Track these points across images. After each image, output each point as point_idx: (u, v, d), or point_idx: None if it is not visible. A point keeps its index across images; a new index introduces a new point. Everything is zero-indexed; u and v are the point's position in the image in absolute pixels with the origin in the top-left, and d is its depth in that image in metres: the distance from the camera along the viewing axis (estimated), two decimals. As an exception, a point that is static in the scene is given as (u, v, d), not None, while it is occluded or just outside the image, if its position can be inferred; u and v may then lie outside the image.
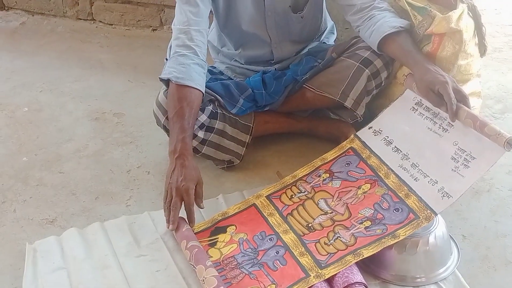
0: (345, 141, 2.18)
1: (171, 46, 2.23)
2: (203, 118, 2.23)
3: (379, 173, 2.03)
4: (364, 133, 2.15)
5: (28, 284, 1.86)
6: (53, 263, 1.92)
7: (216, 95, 2.28)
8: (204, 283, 1.78)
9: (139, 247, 1.98)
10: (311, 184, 2.10)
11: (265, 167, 2.37)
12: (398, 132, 2.07)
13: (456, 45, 2.19)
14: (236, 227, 2.01)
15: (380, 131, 2.11)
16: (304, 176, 2.13)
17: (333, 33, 2.64)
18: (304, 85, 2.37)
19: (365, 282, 1.75)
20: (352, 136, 2.18)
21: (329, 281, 1.76)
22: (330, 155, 2.17)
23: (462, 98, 1.95)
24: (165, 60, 2.29)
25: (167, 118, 2.21)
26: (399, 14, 2.28)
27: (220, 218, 2.05)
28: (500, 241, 1.96)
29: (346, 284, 1.73)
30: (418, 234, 1.81)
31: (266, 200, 2.08)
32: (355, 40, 2.39)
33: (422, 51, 2.22)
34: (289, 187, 2.12)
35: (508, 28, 3.35)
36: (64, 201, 2.25)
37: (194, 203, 2.00)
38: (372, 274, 1.84)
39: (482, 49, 2.32)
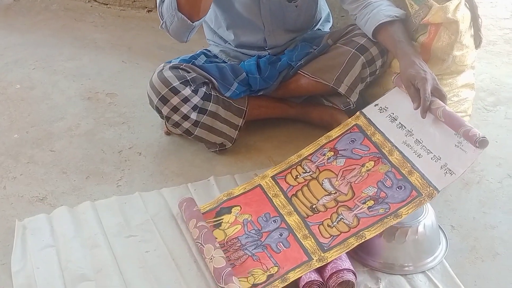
0: (351, 118, 2.16)
1: (161, 12, 2.17)
2: (196, 99, 2.22)
3: (383, 150, 2.01)
4: (370, 110, 2.13)
5: (17, 261, 1.86)
6: (42, 241, 1.92)
7: (211, 77, 2.28)
8: (211, 261, 1.78)
9: (129, 227, 1.98)
10: (316, 164, 2.08)
11: (257, 151, 2.37)
12: (403, 109, 2.05)
13: (452, 35, 2.19)
14: (241, 207, 2.01)
15: (385, 108, 2.09)
16: (309, 155, 2.12)
17: (329, 21, 2.63)
18: (299, 71, 2.36)
19: (353, 269, 1.76)
20: (357, 113, 2.15)
21: (319, 267, 1.77)
22: (335, 133, 2.14)
23: (441, 97, 1.94)
24: (160, 27, 2.22)
25: (160, 99, 2.20)
26: (396, 2, 2.28)
27: (226, 198, 2.05)
28: (488, 232, 1.97)
29: (334, 270, 1.73)
30: (408, 223, 1.82)
31: (271, 180, 2.08)
32: (351, 27, 2.38)
33: (418, 41, 2.22)
34: (295, 166, 2.10)
35: (503, 21, 3.35)
36: (54, 179, 2.24)
37: None
38: (360, 262, 1.85)
39: (477, 40, 2.32)
